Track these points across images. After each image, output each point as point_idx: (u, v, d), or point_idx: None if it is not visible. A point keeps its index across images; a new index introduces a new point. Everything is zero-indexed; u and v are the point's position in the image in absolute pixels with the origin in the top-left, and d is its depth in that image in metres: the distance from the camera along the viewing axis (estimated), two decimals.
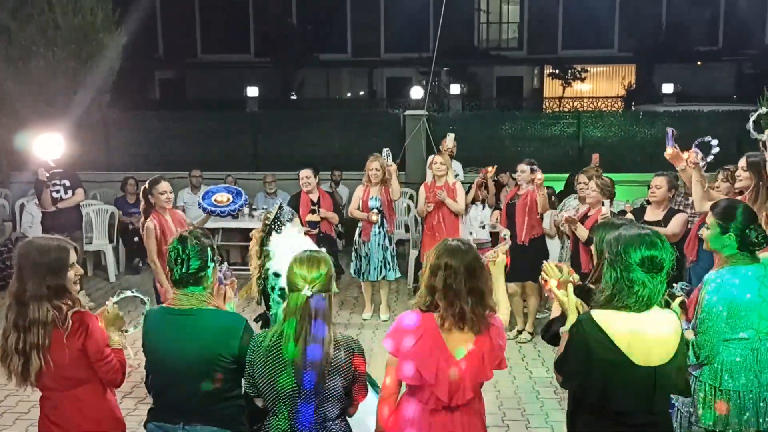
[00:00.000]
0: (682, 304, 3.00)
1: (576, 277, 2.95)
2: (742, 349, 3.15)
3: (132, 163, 11.36)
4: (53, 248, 2.86)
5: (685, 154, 4.54)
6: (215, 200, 5.51)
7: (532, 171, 6.46)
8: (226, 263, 3.85)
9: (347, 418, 2.82)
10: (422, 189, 7.22)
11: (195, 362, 2.73)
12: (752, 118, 4.59)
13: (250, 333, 2.82)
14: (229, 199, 5.52)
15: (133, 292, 3.26)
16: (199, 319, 2.78)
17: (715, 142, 4.59)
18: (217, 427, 2.77)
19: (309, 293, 2.59)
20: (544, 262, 3.03)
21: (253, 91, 20.10)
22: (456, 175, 8.20)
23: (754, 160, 4.29)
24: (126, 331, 3.09)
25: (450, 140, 8.02)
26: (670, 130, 4.68)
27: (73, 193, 7.53)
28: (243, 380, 2.80)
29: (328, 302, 2.66)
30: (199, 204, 5.57)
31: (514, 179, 7.34)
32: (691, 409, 3.24)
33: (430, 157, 7.99)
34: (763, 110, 4.63)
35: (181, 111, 18.67)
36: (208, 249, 2.86)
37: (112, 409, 3.01)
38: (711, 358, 3.14)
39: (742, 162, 4.31)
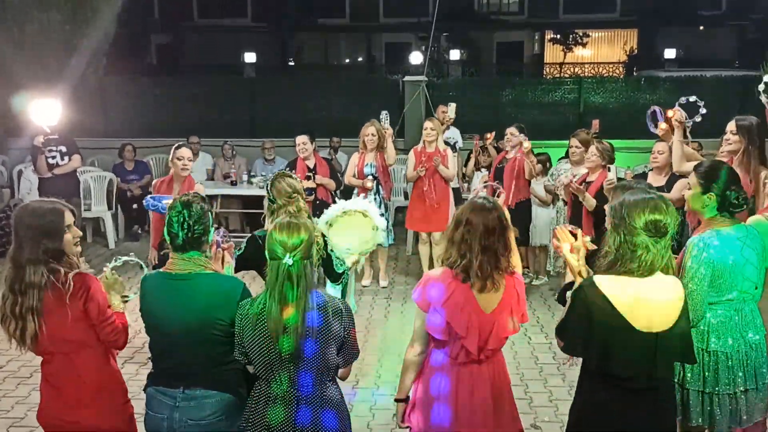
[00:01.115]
0: None
1: (588, 239, 2.91)
2: (726, 310, 3.19)
3: (129, 130, 11.27)
4: (47, 211, 2.84)
5: (670, 113, 4.52)
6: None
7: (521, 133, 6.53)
8: (223, 227, 3.85)
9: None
10: (411, 154, 7.19)
11: (194, 326, 2.74)
12: (765, 80, 4.51)
13: (248, 296, 2.81)
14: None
15: (130, 257, 3.25)
16: (198, 284, 2.78)
17: (701, 102, 4.54)
18: (217, 391, 2.78)
19: (290, 261, 2.57)
20: (557, 226, 3.03)
21: (250, 57, 19.88)
22: (455, 143, 8.18)
23: (743, 123, 4.27)
24: (126, 298, 3.08)
25: (452, 110, 8.02)
26: (656, 109, 4.64)
27: (70, 159, 7.48)
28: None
29: (310, 269, 2.64)
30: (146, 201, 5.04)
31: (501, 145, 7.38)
32: (680, 372, 3.25)
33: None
34: None
35: (178, 76, 18.53)
36: (209, 213, 2.86)
37: (113, 373, 3.01)
38: (696, 321, 3.15)
39: (731, 126, 4.29)
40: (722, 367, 3.18)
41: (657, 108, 4.62)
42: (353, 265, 4.82)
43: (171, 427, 2.76)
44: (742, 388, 3.19)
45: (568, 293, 2.74)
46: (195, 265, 2.79)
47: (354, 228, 4.70)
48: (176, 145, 5.32)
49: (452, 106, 8.09)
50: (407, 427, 2.97)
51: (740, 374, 3.18)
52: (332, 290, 4.44)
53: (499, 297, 2.77)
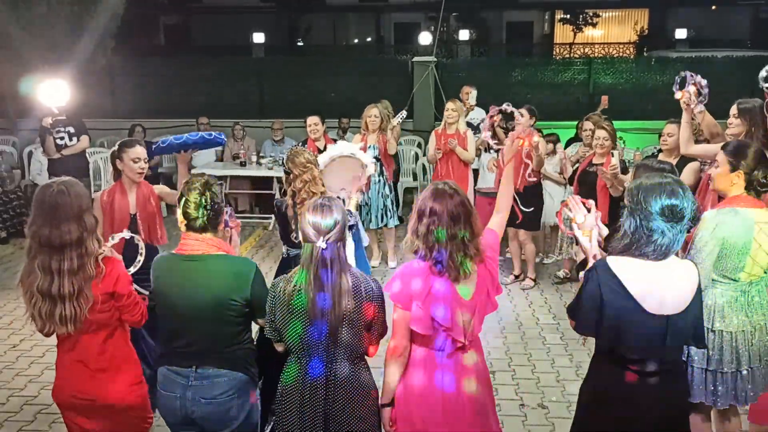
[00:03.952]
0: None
1: (605, 231, 2.84)
2: (733, 291, 3.20)
3: (138, 111, 11.29)
4: (85, 193, 2.86)
5: (678, 95, 4.47)
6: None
7: (530, 118, 6.42)
8: (230, 206, 3.86)
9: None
10: (432, 136, 7.18)
11: (207, 307, 2.76)
12: (763, 74, 4.45)
13: (260, 277, 2.84)
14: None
15: (126, 233, 3.26)
16: (210, 264, 2.81)
17: (688, 74, 4.47)
18: (229, 370, 2.81)
19: (323, 245, 2.59)
20: (568, 197, 2.95)
21: (259, 37, 19.78)
22: (479, 124, 8.13)
23: (746, 106, 4.24)
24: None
25: (473, 98, 8.03)
26: (687, 74, 4.54)
27: (78, 140, 7.51)
28: (262, 325, 2.84)
29: (343, 250, 2.66)
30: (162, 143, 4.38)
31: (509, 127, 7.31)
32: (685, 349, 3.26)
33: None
34: None
35: (187, 57, 18.48)
36: (222, 193, 2.91)
37: (131, 352, 3.07)
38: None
39: (734, 109, 4.26)
40: (726, 347, 3.21)
41: (688, 73, 4.52)
42: (356, 208, 4.93)
43: (184, 405, 2.80)
44: (746, 368, 3.21)
45: (581, 274, 2.73)
46: (206, 246, 2.82)
47: (344, 171, 4.84)
48: (124, 141, 4.30)
49: (474, 92, 8.10)
50: (395, 430, 2.86)
51: (745, 354, 3.20)
52: (351, 251, 4.48)
53: (475, 282, 2.72)
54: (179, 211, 2.85)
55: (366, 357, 2.83)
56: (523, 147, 5.80)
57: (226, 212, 3.04)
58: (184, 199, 2.82)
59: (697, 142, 4.73)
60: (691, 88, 4.41)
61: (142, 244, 3.31)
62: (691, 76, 4.44)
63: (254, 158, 9.07)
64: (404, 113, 7.21)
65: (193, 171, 5.41)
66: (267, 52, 20.50)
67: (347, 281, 2.65)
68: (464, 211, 2.68)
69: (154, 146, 4.13)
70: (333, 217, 2.63)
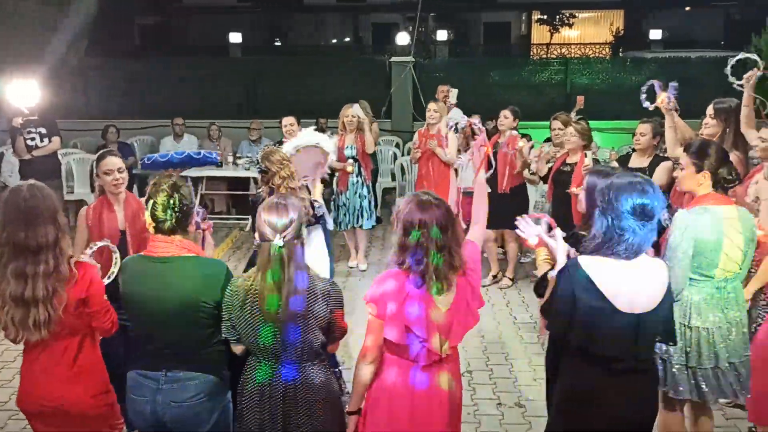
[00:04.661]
0: (654, 245, 3.01)
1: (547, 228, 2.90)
2: (708, 288, 3.23)
3: (112, 111, 11.16)
4: (54, 194, 2.82)
5: (658, 100, 4.53)
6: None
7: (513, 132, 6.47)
8: (204, 208, 3.81)
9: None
10: (416, 135, 7.19)
11: (177, 310, 2.73)
12: (730, 64, 4.52)
13: (231, 278, 2.81)
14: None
15: (105, 241, 3.21)
16: (180, 267, 2.77)
17: (656, 84, 4.54)
18: (200, 373, 2.78)
19: (280, 243, 2.57)
20: (520, 219, 2.98)
21: (236, 37, 19.70)
22: (457, 123, 8.14)
23: (722, 106, 4.30)
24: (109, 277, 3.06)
25: (453, 96, 8.05)
26: (655, 83, 4.61)
27: (50, 141, 7.39)
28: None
29: (300, 249, 2.64)
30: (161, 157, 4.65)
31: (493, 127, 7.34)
32: (663, 347, 3.29)
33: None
34: (741, 56, 4.57)
35: (163, 57, 18.29)
36: (191, 194, 2.87)
37: (99, 358, 3.02)
38: (678, 294, 3.19)
39: (710, 109, 4.34)
40: (704, 343, 3.23)
41: (656, 82, 4.58)
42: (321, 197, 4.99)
43: (154, 409, 2.76)
44: (725, 363, 3.24)
45: (550, 273, 2.75)
46: (176, 248, 2.78)
47: (307, 159, 4.97)
48: (98, 154, 4.02)
49: (454, 91, 8.12)
50: None
51: (723, 350, 3.23)
52: (319, 245, 4.48)
53: (454, 292, 2.69)
54: (147, 213, 2.80)
55: (330, 360, 2.86)
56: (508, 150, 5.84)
57: (197, 213, 3.00)
58: (151, 201, 2.78)
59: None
60: (663, 94, 4.48)
61: (117, 255, 3.24)
62: (659, 86, 4.51)
63: (231, 159, 8.99)
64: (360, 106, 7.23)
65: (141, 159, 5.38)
66: (244, 52, 20.41)
67: (303, 281, 2.63)
68: (451, 221, 2.66)
69: (140, 162, 4.09)
70: (289, 215, 2.62)
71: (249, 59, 17.69)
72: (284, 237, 2.59)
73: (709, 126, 4.32)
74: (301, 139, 5.07)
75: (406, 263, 2.64)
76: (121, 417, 3.10)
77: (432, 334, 2.64)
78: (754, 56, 4.38)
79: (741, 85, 4.38)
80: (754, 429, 4.04)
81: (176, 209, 2.76)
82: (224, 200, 9.54)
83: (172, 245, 2.78)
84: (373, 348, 2.71)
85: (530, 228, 2.90)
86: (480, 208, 3.17)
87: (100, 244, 3.13)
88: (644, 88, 4.62)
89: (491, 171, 3.69)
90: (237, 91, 12.08)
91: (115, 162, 3.81)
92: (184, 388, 2.75)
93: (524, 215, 3.01)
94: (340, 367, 4.51)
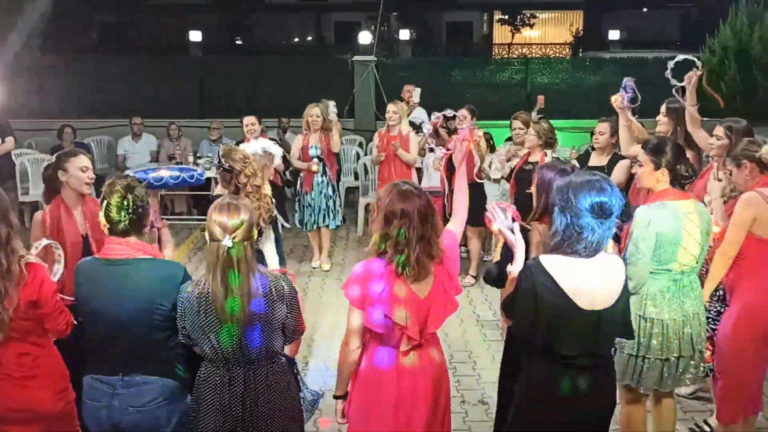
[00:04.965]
0: (615, 237, 3.07)
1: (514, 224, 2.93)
2: (665, 280, 3.30)
3: (68, 110, 10.90)
4: (4, 194, 2.77)
5: (612, 98, 4.62)
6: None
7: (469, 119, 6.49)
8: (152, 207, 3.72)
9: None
10: (376, 136, 7.18)
11: (133, 313, 2.67)
12: (670, 66, 4.62)
13: (189, 279, 2.77)
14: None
15: (47, 239, 3.14)
16: (136, 269, 2.71)
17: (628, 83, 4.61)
18: (158, 376, 2.73)
19: (230, 243, 2.54)
20: (490, 203, 3.04)
21: (196, 36, 19.44)
22: (421, 123, 8.16)
23: (674, 106, 4.41)
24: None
25: (416, 95, 8.06)
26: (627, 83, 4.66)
27: (3, 142, 7.20)
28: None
29: (251, 250, 2.61)
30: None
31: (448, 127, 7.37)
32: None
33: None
34: (680, 57, 4.69)
35: (122, 55, 17.95)
36: (146, 195, 2.81)
37: (57, 358, 2.96)
38: (639, 289, 3.26)
39: (663, 108, 4.49)
40: (656, 334, 3.29)
41: (628, 81, 4.65)
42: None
43: (110, 415, 2.70)
44: (675, 355, 3.30)
45: (508, 268, 2.77)
46: (132, 250, 2.73)
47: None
48: (67, 151, 3.81)
49: (417, 91, 8.13)
50: (346, 423, 2.91)
51: (675, 342, 3.29)
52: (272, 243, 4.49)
53: (431, 280, 2.73)
54: (101, 214, 2.74)
55: (288, 357, 2.83)
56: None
57: (152, 213, 2.95)
58: (105, 202, 2.72)
59: None
60: (629, 94, 4.56)
61: (60, 251, 3.15)
62: (631, 87, 4.58)
63: (191, 159, 8.87)
64: (333, 102, 7.17)
65: (126, 173, 5.29)
66: (205, 50, 20.17)
67: (256, 282, 2.60)
68: (431, 211, 2.70)
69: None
70: (240, 216, 2.58)
71: (209, 58, 17.50)
72: (234, 238, 2.55)
73: (662, 124, 4.46)
74: (250, 149, 5.09)
75: (386, 252, 2.67)
76: (78, 421, 3.03)
77: (411, 320, 2.68)
78: (693, 57, 4.48)
79: (682, 87, 4.48)
80: (704, 423, 4.13)
81: (130, 210, 2.71)
82: (184, 201, 9.41)
83: (128, 247, 2.73)
84: (354, 334, 2.76)
85: (498, 214, 2.94)
86: (461, 200, 3.21)
87: (44, 242, 3.06)
88: (671, 65, 4.56)
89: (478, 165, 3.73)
90: (197, 91, 11.90)
91: (87, 159, 3.66)
92: (141, 393, 2.70)
93: (493, 203, 3.05)
94: (303, 368, 4.51)
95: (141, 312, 2.68)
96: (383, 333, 2.71)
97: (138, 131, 9.52)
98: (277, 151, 5.13)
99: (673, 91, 4.50)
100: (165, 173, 4.32)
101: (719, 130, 4.15)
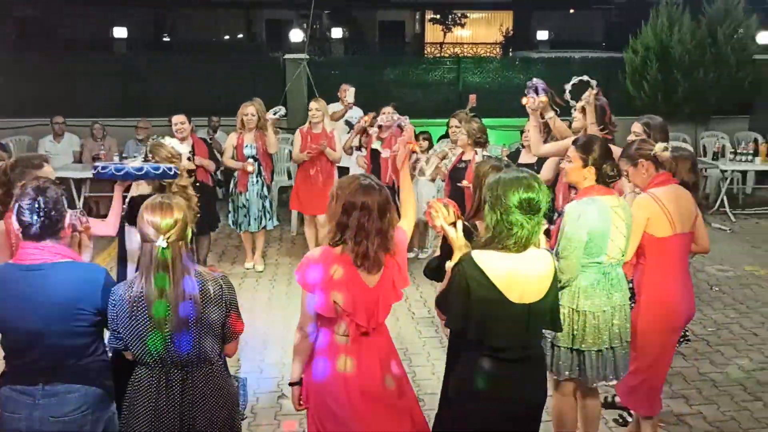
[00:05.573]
0: (546, 232, 3.14)
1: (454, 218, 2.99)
2: (596, 273, 3.39)
3: None
4: None
5: (524, 100, 4.75)
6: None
7: (399, 127, 6.51)
8: (79, 208, 3.55)
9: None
10: (297, 135, 7.06)
11: (53, 320, 2.56)
12: (568, 88, 4.88)
13: (112, 283, 2.68)
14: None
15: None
16: (54, 274, 2.60)
17: (539, 83, 4.77)
18: (81, 384, 2.63)
19: (164, 244, 2.47)
20: (432, 199, 3.07)
21: (121, 32, 18.74)
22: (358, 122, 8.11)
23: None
24: None
25: (350, 95, 8.00)
26: (537, 84, 4.80)
27: None
28: (107, 334, 2.68)
29: (185, 250, 2.56)
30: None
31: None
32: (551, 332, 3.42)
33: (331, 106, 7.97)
34: (575, 80, 4.96)
35: (42, 52, 17.20)
36: (63, 197, 2.69)
37: None
38: (571, 281, 3.35)
39: (578, 105, 4.63)
40: (589, 326, 3.38)
41: (538, 82, 4.78)
42: None
43: (31, 427, 2.58)
44: (606, 346, 3.41)
45: (447, 264, 2.81)
46: (49, 254, 2.62)
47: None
48: (23, 160, 3.58)
49: (350, 90, 8.08)
50: (304, 409, 2.93)
51: (606, 333, 3.40)
52: None
53: (381, 272, 2.78)
54: (13, 218, 2.61)
55: (225, 358, 2.80)
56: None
57: (74, 215, 2.82)
58: (17, 205, 2.60)
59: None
60: (542, 95, 4.69)
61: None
62: (543, 88, 4.71)
63: (116, 159, 8.57)
64: (282, 109, 7.03)
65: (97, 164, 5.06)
66: (130, 47, 19.56)
67: (191, 283, 2.54)
68: (389, 206, 2.74)
69: (100, 170, 3.70)
70: (173, 215, 2.52)
71: (135, 55, 16.97)
72: (168, 238, 2.48)
73: (577, 120, 4.61)
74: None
75: (345, 242, 2.69)
76: None
77: (358, 309, 2.72)
78: (587, 78, 4.71)
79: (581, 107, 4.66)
80: (624, 415, 4.27)
81: (41, 213, 2.59)
82: (109, 203, 9.08)
83: (44, 251, 2.61)
84: (308, 319, 2.78)
85: (441, 210, 2.98)
86: (408, 200, 3.23)
87: None
88: (531, 86, 4.78)
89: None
90: (122, 89, 11.52)
91: (52, 171, 3.50)
92: (63, 402, 2.60)
93: (436, 198, 3.09)
94: (237, 372, 4.42)
95: (60, 318, 2.57)
96: (332, 319, 2.75)
97: (60, 131, 9.17)
98: (183, 149, 4.98)
99: (572, 110, 4.73)
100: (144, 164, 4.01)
101: (637, 127, 4.30)
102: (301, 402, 2.91)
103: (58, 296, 2.57)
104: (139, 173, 3.64)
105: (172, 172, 3.78)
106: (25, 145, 9.78)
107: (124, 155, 8.76)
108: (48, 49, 19.31)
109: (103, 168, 3.68)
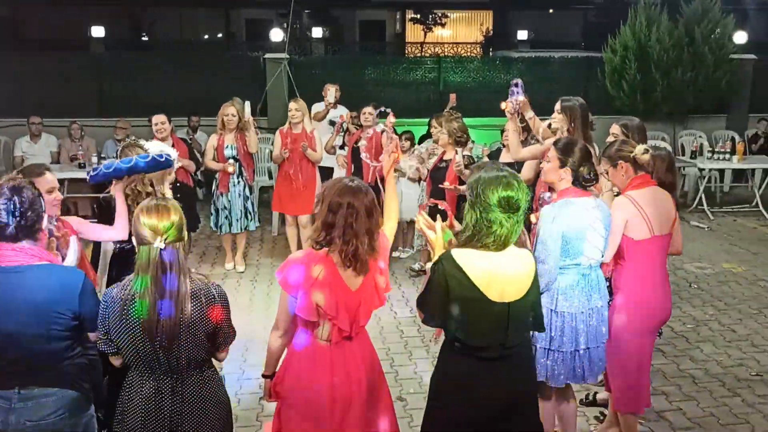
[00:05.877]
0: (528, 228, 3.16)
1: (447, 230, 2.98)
2: (574, 274, 3.41)
3: None
4: None
5: (503, 105, 4.74)
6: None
7: (381, 114, 6.51)
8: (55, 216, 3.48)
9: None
10: (277, 135, 7.03)
11: (29, 323, 2.52)
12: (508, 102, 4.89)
13: (90, 287, 2.65)
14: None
15: None
16: (31, 276, 2.56)
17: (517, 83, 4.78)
18: (58, 388, 2.60)
19: (162, 245, 2.46)
20: (421, 203, 3.07)
21: (98, 31, 18.51)
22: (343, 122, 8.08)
23: (567, 104, 4.58)
24: None
25: (331, 95, 7.98)
26: (518, 82, 4.80)
27: None
28: (95, 339, 2.64)
29: (183, 253, 2.55)
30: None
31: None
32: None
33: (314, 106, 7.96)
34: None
35: (17, 51, 16.97)
36: (41, 199, 2.65)
37: None
38: (550, 285, 3.36)
39: (557, 105, 4.61)
40: (567, 327, 3.40)
41: (518, 83, 4.76)
42: None
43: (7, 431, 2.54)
44: (583, 347, 3.43)
45: (427, 265, 2.81)
46: (27, 257, 2.57)
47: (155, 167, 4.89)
48: (23, 170, 3.30)
49: (331, 91, 8.06)
50: (274, 401, 2.94)
51: (583, 333, 3.42)
52: None
53: (364, 275, 2.77)
54: None
55: (216, 363, 2.77)
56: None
57: (51, 221, 2.78)
58: None
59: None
60: (521, 97, 4.68)
61: None
62: (523, 90, 4.71)
63: (95, 159, 8.49)
64: (248, 102, 6.91)
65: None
66: (108, 46, 19.36)
67: (188, 286, 2.52)
68: (375, 208, 2.75)
69: (92, 173, 3.61)
70: (170, 217, 2.51)
71: (113, 54, 16.77)
72: (165, 239, 2.47)
73: (557, 120, 4.58)
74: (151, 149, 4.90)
75: (331, 243, 2.69)
76: None
77: (341, 312, 2.71)
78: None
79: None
80: (605, 412, 4.30)
81: (17, 213, 2.55)
82: (88, 203, 8.98)
83: (21, 253, 2.57)
84: (284, 320, 2.80)
85: (428, 221, 2.97)
86: (390, 206, 3.23)
87: None
88: (514, 89, 4.76)
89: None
90: (100, 88, 11.38)
91: (54, 179, 3.37)
92: (40, 406, 2.56)
93: (423, 204, 3.09)
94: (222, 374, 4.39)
95: (36, 322, 2.53)
96: (312, 322, 2.73)
97: (36, 131, 9.04)
98: (174, 153, 4.92)
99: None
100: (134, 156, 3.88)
101: (615, 128, 4.33)
102: (271, 395, 2.92)
103: (35, 299, 2.53)
104: (129, 165, 3.58)
105: (163, 159, 3.70)
106: (2, 146, 9.65)
107: (102, 156, 8.67)
108: (23, 48, 19.08)
109: (95, 170, 3.62)
